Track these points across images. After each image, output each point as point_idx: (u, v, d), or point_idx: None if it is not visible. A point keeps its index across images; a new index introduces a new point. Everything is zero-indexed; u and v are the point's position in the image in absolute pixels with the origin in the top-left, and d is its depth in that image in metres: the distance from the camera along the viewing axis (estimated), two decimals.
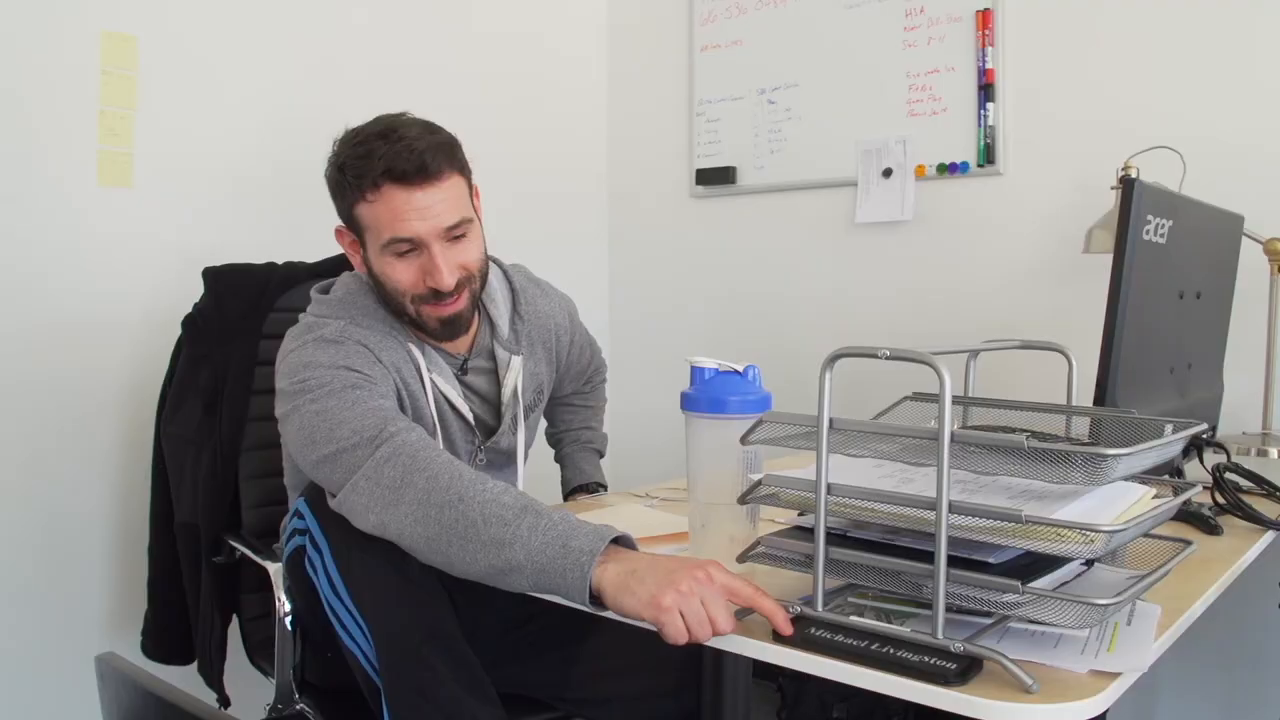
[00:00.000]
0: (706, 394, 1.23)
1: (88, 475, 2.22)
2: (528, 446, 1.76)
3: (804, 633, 1.02)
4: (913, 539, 1.04)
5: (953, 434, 0.92)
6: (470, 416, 1.61)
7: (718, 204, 3.14)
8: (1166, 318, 1.58)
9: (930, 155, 2.68)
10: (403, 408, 1.51)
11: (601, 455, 2.02)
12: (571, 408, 2.01)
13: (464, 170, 1.54)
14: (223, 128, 2.38)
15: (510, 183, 3.03)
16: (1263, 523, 1.51)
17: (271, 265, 2.03)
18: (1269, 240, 2.01)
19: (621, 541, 1.17)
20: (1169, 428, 1.04)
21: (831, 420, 1.00)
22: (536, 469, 1.97)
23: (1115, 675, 0.94)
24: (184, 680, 2.03)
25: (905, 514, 1.00)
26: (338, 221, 1.57)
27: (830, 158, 2.86)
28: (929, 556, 0.96)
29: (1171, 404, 1.60)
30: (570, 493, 1.95)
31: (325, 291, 1.61)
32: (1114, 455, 0.90)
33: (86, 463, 2.21)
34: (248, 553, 1.76)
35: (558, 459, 2.02)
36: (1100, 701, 0.90)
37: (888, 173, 2.74)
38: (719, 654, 1.12)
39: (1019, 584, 0.93)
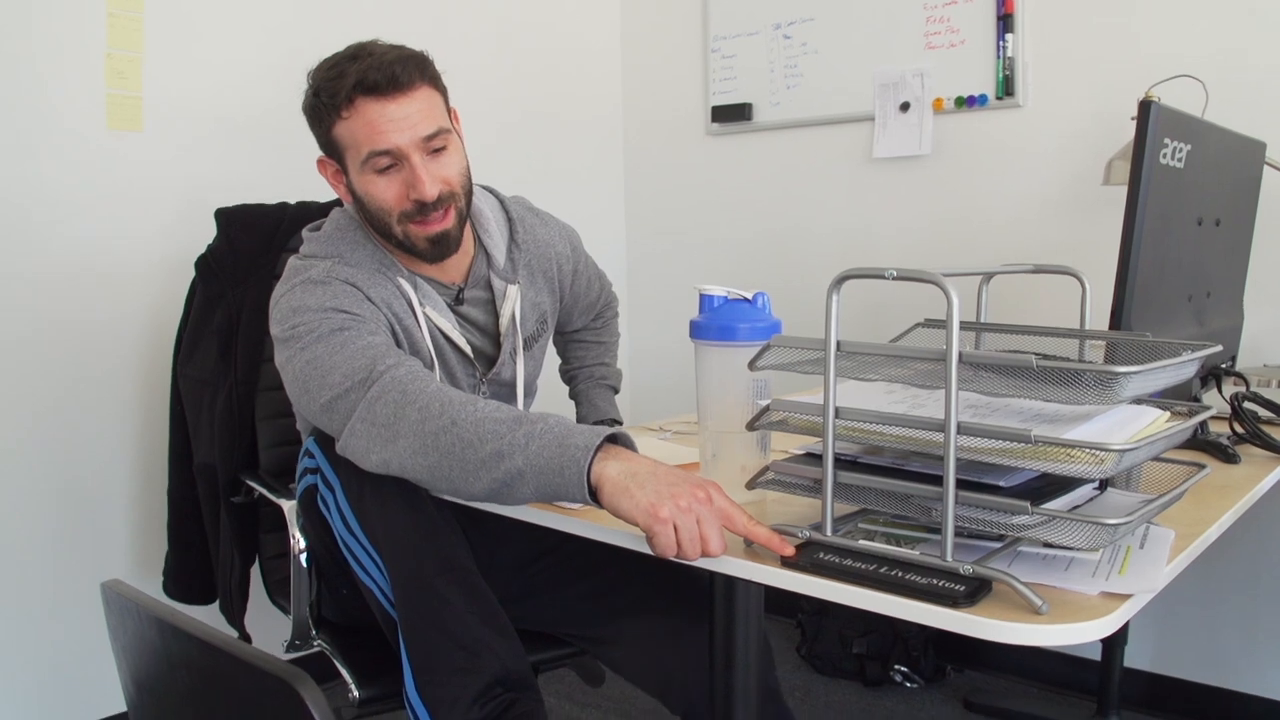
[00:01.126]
0: (715, 321, 1.22)
1: (108, 420, 2.23)
2: (532, 379, 1.75)
3: (813, 557, 1.01)
4: (923, 463, 1.04)
5: (961, 355, 0.91)
6: (468, 349, 1.61)
7: (733, 141, 3.11)
8: (1184, 244, 1.56)
9: (948, 88, 2.64)
10: (399, 345, 1.51)
11: (616, 391, 2.01)
12: (584, 344, 2.00)
13: (437, 83, 1.52)
14: (231, 69, 2.36)
15: (525, 123, 3.02)
16: None
17: (284, 205, 2.02)
18: None
19: (620, 441, 1.17)
20: (1185, 351, 1.03)
21: (839, 343, 0.99)
22: (549, 405, 1.97)
23: (1126, 597, 0.93)
24: (206, 619, 2.05)
25: (915, 437, 0.99)
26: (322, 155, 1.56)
27: (847, 92, 2.82)
28: (939, 480, 0.96)
29: (1189, 332, 1.58)
30: None
31: (317, 230, 1.60)
32: (1124, 373, 0.89)
33: (106, 407, 2.23)
34: (264, 492, 1.77)
35: (572, 396, 2.01)
36: (1110, 622, 0.89)
37: (905, 106, 2.70)
38: (729, 583, 1.12)
39: (1028, 505, 0.92)
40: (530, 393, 1.76)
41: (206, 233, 1.95)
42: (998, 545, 1.02)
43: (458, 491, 1.25)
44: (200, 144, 2.32)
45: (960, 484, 0.94)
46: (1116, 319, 1.35)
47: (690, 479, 1.09)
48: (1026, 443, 0.91)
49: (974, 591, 0.92)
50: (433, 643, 1.32)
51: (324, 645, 1.60)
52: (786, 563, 1.02)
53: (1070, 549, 0.94)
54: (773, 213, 3.03)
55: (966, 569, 0.93)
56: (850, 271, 0.96)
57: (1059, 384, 0.93)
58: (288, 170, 2.34)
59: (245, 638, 1.91)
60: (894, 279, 0.93)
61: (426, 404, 1.27)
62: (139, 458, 2.28)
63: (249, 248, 1.93)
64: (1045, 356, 0.92)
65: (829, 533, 1.03)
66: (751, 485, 1.12)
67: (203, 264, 1.94)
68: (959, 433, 0.93)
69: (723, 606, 1.14)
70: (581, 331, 1.99)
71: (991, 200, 2.61)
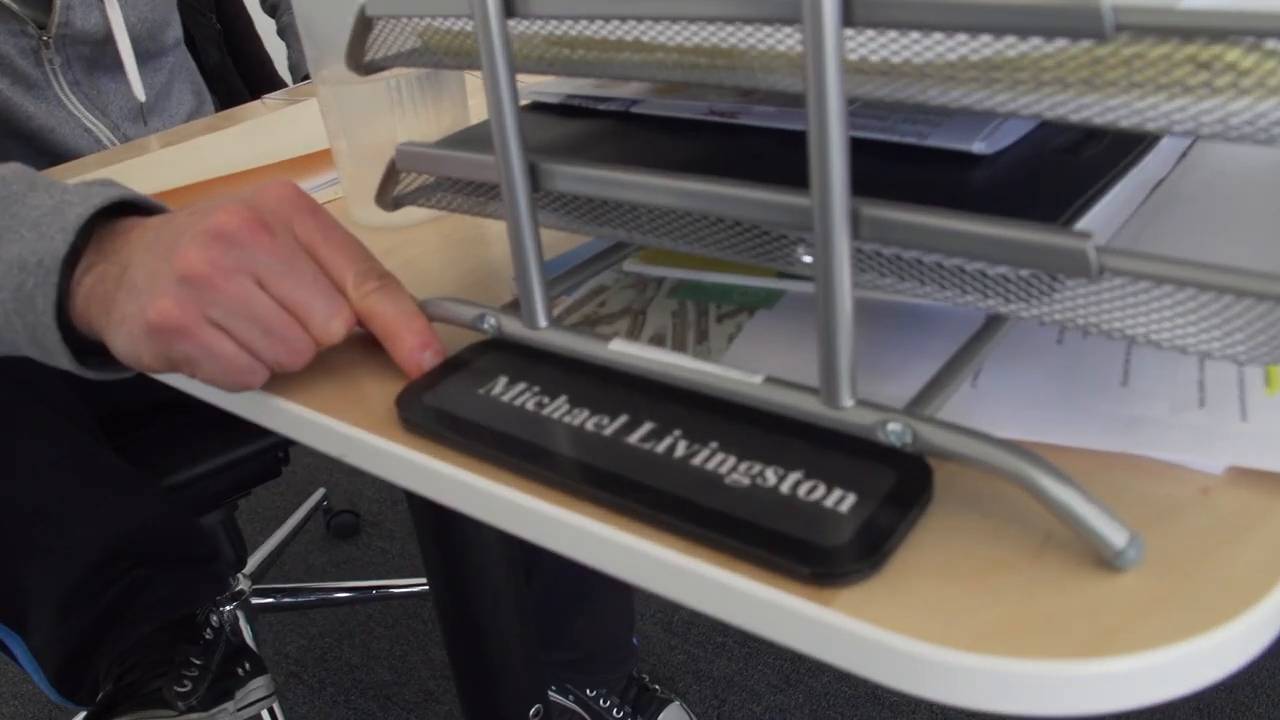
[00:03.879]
0: None
1: None
2: (152, 29, 1.06)
3: (484, 395, 0.39)
4: (769, 113, 0.41)
5: None
6: None
7: None
8: None
9: None
10: None
11: None
12: None
13: None
14: None
15: None
16: None
17: None
18: None
19: (141, 209, 0.48)
20: None
21: None
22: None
23: None
24: None
25: (736, 50, 0.35)
26: None
27: None
28: (801, 152, 0.32)
29: None
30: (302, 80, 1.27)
31: None
32: None
33: None
34: None
35: (280, 32, 1.31)
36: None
37: None
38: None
39: (1086, 244, 0.29)
40: (157, 52, 1.06)
41: None
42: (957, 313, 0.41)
43: None
44: None
45: (866, 156, 0.31)
46: None
47: (218, 204, 0.42)
48: (1094, 39, 0.27)
49: (902, 492, 0.31)
50: None
51: None
52: (404, 414, 0.40)
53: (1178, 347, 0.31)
54: None
55: (892, 431, 0.32)
56: None
57: None
58: None
59: None
60: None
61: None
62: None
63: None
64: None
65: (540, 319, 0.40)
66: (384, 198, 0.48)
67: None
68: (847, 23, 0.28)
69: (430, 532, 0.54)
70: None
71: None
